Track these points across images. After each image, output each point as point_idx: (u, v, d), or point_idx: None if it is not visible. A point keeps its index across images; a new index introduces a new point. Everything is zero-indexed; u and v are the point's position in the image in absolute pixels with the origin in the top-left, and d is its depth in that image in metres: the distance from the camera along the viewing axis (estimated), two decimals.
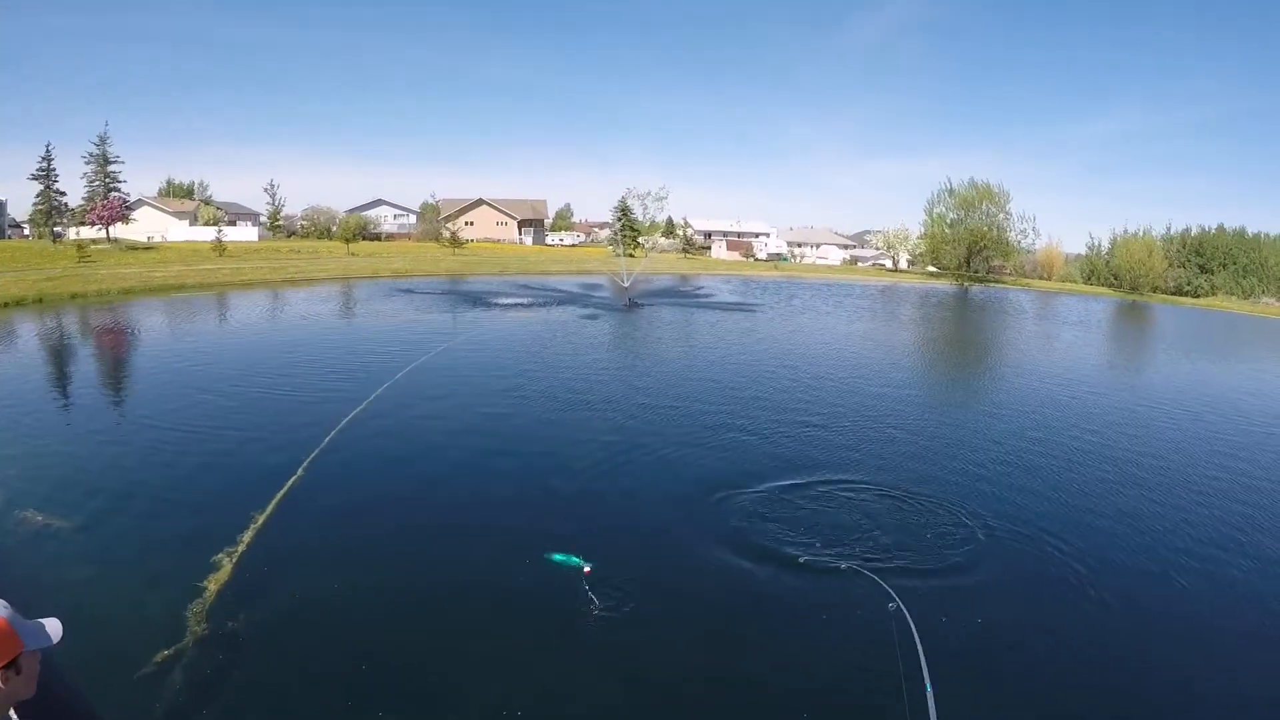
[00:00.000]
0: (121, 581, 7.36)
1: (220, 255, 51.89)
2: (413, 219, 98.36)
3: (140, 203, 71.87)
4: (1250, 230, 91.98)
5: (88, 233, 55.46)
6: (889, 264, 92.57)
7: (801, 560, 8.24)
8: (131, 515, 8.91)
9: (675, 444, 12.77)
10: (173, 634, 6.30)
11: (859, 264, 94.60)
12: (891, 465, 12.15)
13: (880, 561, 8.27)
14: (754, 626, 7.25)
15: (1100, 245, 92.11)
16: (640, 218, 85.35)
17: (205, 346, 21.76)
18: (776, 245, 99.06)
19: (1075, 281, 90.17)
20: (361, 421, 13.12)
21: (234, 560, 7.69)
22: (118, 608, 6.87)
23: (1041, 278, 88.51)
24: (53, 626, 1.99)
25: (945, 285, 70.84)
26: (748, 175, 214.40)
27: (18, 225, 65.25)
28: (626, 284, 41.04)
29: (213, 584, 7.18)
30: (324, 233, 79.39)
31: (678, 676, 6.49)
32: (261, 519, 8.74)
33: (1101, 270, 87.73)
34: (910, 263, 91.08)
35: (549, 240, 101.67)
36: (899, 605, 5.62)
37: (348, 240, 65.83)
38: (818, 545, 8.65)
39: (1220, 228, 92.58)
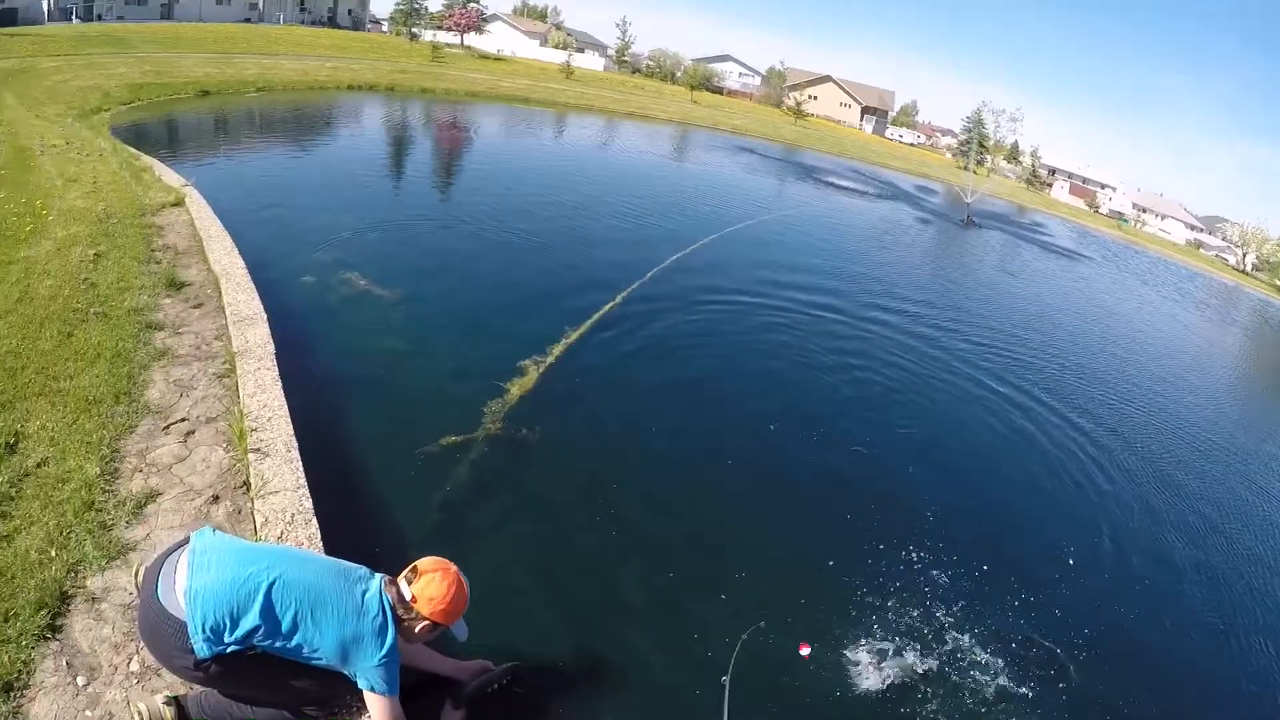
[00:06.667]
0: (429, 361, 7.22)
1: (567, 78, 52.54)
2: (757, 81, 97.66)
3: (495, 17, 75.99)
4: None
5: (444, 37, 57.93)
6: (1232, 260, 77.58)
7: None
8: (451, 304, 8.81)
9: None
10: (466, 424, 6.03)
11: (1201, 250, 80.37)
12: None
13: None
14: None
15: None
16: (990, 135, 77.22)
17: (540, 160, 22.13)
18: (1120, 203, 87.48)
19: None
20: (681, 267, 12.36)
21: (540, 371, 7.30)
22: (420, 384, 6.73)
23: None
24: (463, 630, 3.01)
25: None
26: (1104, 117, 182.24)
27: (377, 21, 71.73)
28: (969, 199, 36.94)
29: (515, 389, 6.79)
30: (668, 76, 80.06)
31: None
32: (574, 336, 8.33)
33: None
34: (1256, 268, 74.59)
35: (889, 134, 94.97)
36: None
37: (692, 88, 65.84)
38: None
39: None
